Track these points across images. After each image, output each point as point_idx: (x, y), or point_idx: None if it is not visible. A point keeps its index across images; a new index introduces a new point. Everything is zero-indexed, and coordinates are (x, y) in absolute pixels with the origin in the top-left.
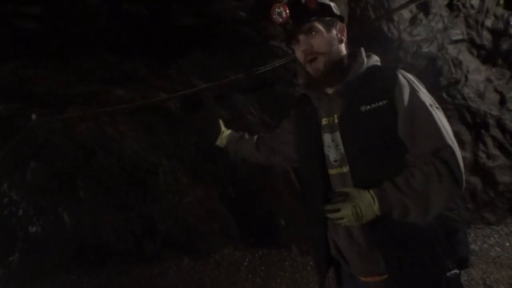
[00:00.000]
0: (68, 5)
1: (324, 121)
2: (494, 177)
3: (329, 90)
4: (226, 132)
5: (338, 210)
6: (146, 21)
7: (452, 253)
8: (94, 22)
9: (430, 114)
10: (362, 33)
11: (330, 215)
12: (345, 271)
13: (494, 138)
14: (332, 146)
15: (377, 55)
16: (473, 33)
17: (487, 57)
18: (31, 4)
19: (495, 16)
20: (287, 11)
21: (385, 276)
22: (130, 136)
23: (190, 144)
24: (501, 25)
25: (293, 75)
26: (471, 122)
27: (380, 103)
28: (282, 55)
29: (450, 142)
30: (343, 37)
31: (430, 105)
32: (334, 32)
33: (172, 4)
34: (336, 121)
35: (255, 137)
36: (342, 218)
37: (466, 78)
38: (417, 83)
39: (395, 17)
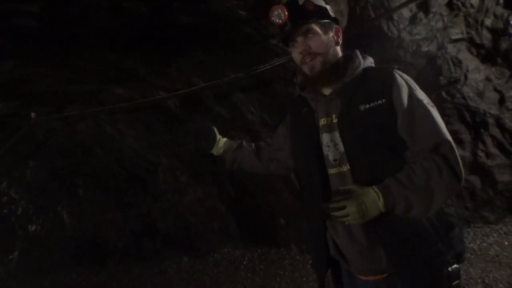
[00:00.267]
0: (67, 3)
1: (322, 122)
2: (493, 176)
3: (326, 91)
4: (222, 140)
5: (342, 208)
6: (146, 19)
7: (451, 248)
8: (94, 20)
9: (428, 111)
10: (362, 31)
11: (335, 213)
12: (344, 271)
13: (493, 137)
14: (331, 145)
15: (376, 54)
16: (473, 32)
17: (487, 56)
18: (31, 2)
19: (495, 15)
20: (286, 12)
21: (385, 275)
22: (130, 134)
23: (189, 143)
24: (500, 25)
25: (293, 74)
26: (470, 121)
27: (379, 101)
28: (281, 54)
29: (448, 138)
30: (339, 40)
31: (427, 103)
32: (331, 34)
33: (172, 3)
34: (334, 121)
35: (253, 145)
36: (347, 216)
37: (466, 77)
38: (413, 82)
39: (395, 16)
